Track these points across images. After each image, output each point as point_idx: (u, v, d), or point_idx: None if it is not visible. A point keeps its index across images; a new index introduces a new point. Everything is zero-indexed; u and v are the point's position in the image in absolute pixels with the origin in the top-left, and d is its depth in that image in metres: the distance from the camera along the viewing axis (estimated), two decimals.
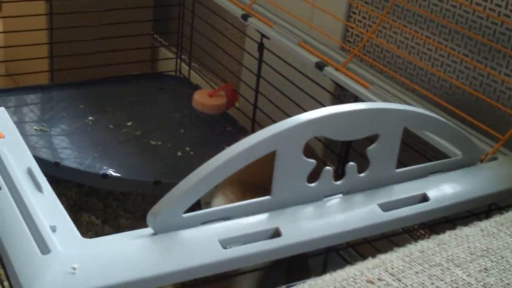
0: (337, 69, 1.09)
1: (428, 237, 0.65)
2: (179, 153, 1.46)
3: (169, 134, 1.53)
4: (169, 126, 1.57)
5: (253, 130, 1.50)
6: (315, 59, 1.12)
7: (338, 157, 1.15)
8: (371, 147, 0.75)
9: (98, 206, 1.50)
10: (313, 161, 0.71)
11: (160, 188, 1.32)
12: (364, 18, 1.28)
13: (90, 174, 1.34)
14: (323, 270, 1.04)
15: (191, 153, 1.46)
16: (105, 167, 1.36)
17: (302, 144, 0.70)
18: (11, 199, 0.70)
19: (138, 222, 1.52)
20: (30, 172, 0.75)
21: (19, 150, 0.80)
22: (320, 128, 0.70)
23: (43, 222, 0.67)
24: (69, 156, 1.40)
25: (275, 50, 1.35)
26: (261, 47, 1.36)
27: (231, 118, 1.57)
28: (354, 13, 1.30)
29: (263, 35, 1.31)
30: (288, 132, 0.68)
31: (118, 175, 1.34)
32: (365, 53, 1.28)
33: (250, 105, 1.49)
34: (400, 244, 0.71)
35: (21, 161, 0.77)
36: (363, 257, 1.20)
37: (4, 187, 0.72)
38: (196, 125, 1.57)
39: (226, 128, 1.55)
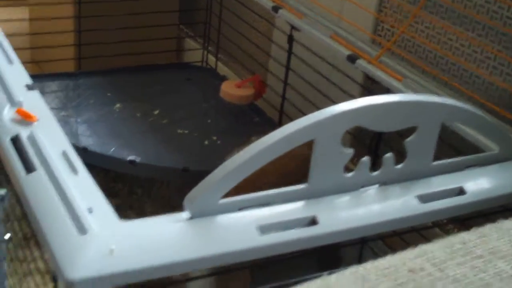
0: (369, 62, 1.08)
1: (458, 232, 0.65)
2: (206, 142, 1.46)
3: (196, 123, 1.53)
4: (196, 115, 1.57)
5: (280, 122, 1.49)
6: (347, 52, 1.12)
7: (368, 150, 1.14)
8: (409, 139, 0.75)
9: (123, 193, 1.51)
10: (351, 150, 0.71)
11: (188, 176, 1.33)
12: (395, 12, 1.27)
13: (118, 160, 1.34)
14: (359, 260, 1.03)
15: (218, 142, 1.46)
16: (132, 154, 1.36)
17: (340, 134, 0.69)
18: (47, 181, 0.70)
19: (163, 209, 1.51)
20: (65, 155, 0.75)
21: (53, 132, 0.80)
22: (359, 118, 0.70)
23: (80, 204, 0.67)
24: (96, 142, 1.40)
25: (304, 42, 1.35)
26: (290, 39, 1.36)
27: (258, 109, 1.57)
28: (385, 7, 1.29)
29: (293, 27, 1.30)
30: (327, 121, 0.68)
31: (146, 161, 1.35)
32: (396, 46, 1.27)
33: (278, 96, 1.49)
34: (430, 238, 0.71)
35: (56, 143, 0.77)
36: (392, 249, 1.20)
37: (40, 169, 0.72)
38: (223, 115, 1.57)
39: (253, 119, 1.55)
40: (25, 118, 0.80)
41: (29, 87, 0.89)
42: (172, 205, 1.51)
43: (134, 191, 1.54)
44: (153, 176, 1.47)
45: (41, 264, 1.03)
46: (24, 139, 0.77)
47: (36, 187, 0.69)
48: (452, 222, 1.08)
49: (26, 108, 0.82)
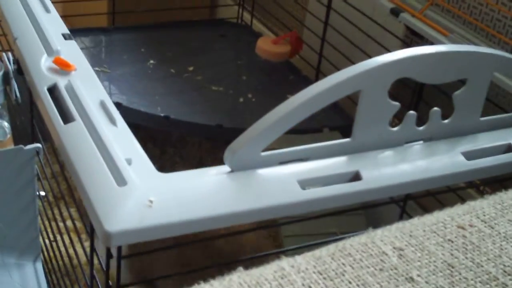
0: (413, 16, 1.05)
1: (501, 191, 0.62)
2: (241, 99, 1.44)
3: (230, 80, 1.51)
4: (231, 73, 1.54)
5: (316, 80, 1.46)
6: (390, 5, 1.09)
7: (408, 107, 1.11)
8: (457, 92, 0.72)
9: (154, 152, 1.50)
10: (397, 103, 0.69)
11: (221, 132, 1.31)
12: None
13: (152, 115, 1.33)
14: (400, 217, 1.02)
15: (253, 100, 1.44)
16: (166, 110, 1.35)
17: (388, 85, 0.67)
18: (86, 131, 0.69)
19: (194, 169, 1.50)
20: (103, 105, 0.74)
21: (91, 82, 0.78)
22: (407, 69, 0.67)
23: (119, 155, 0.65)
24: (130, 98, 1.38)
25: None
26: None
27: (294, 67, 1.54)
28: None
29: None
30: (374, 71, 0.65)
31: (180, 117, 1.33)
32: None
33: (314, 53, 1.46)
34: (466, 198, 0.69)
35: (94, 93, 0.76)
36: (425, 210, 1.17)
37: (78, 119, 0.71)
38: (258, 73, 1.55)
39: (288, 77, 1.52)
40: (62, 67, 0.79)
41: (66, 37, 0.87)
42: (204, 165, 1.50)
43: (166, 151, 1.53)
44: (187, 132, 1.46)
45: (70, 224, 1.03)
46: (62, 88, 0.75)
47: (74, 138, 0.68)
48: (489, 183, 1.05)
49: (63, 57, 0.81)
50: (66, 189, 1.28)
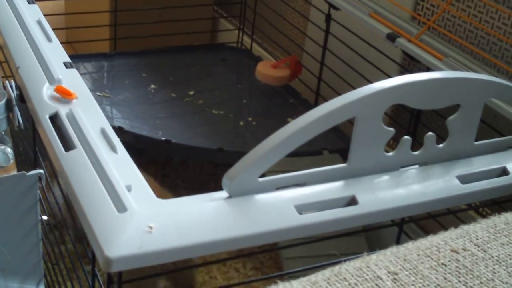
0: (409, 41, 1.07)
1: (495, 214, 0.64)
2: (241, 123, 1.46)
3: (231, 104, 1.53)
4: (231, 96, 1.56)
5: (316, 103, 1.48)
6: (386, 30, 1.10)
7: (407, 131, 1.13)
8: (451, 118, 0.73)
9: (156, 175, 1.51)
10: (392, 129, 0.70)
11: (222, 156, 1.32)
12: None
13: (153, 139, 1.34)
14: (397, 241, 1.02)
15: (253, 123, 1.46)
16: (168, 134, 1.37)
17: (382, 112, 0.68)
18: (87, 159, 0.70)
19: (196, 192, 1.51)
20: (103, 132, 0.75)
21: (92, 110, 0.80)
22: (401, 96, 0.68)
23: (119, 181, 0.67)
24: (132, 121, 1.40)
25: (342, 21, 1.33)
26: (328, 18, 1.34)
27: (293, 91, 1.56)
28: None
29: (331, 6, 1.29)
30: (368, 98, 0.67)
31: (181, 141, 1.34)
32: (435, 25, 1.25)
33: (313, 77, 1.47)
34: (466, 221, 0.70)
35: (95, 121, 0.77)
36: (426, 232, 1.18)
37: (79, 147, 0.72)
38: (258, 96, 1.56)
39: (288, 100, 1.54)
40: (64, 96, 0.80)
41: (67, 65, 0.89)
42: (205, 188, 1.51)
43: (168, 174, 1.55)
44: (188, 157, 1.48)
45: (71, 248, 1.04)
46: (63, 116, 0.77)
47: (75, 165, 0.69)
48: (488, 205, 1.06)
49: (65, 85, 0.82)
50: (67, 213, 1.29)
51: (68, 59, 0.91)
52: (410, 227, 1.20)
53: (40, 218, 0.95)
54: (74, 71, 0.88)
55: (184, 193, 1.51)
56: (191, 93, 1.55)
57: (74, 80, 0.86)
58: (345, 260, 0.56)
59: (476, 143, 0.76)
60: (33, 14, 1.02)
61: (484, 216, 1.08)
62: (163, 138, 1.34)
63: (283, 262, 1.24)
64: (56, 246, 0.97)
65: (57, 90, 0.81)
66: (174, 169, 1.56)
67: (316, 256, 1.20)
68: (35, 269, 0.98)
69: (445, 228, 0.66)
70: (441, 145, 0.74)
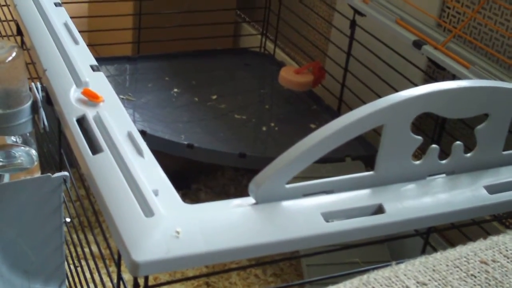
0: (436, 48, 1.06)
1: None
2: (264, 128, 1.45)
3: (253, 109, 1.53)
4: (254, 101, 1.56)
5: (339, 109, 1.48)
6: (413, 37, 1.10)
7: (431, 139, 1.12)
8: (479, 127, 0.73)
9: (178, 180, 1.51)
10: (419, 138, 0.69)
11: (244, 161, 1.32)
12: None
13: (176, 143, 1.35)
14: (423, 250, 1.02)
15: (276, 129, 1.45)
16: (190, 138, 1.37)
17: (410, 120, 0.68)
18: (114, 162, 0.70)
19: (217, 197, 1.52)
20: (130, 136, 0.75)
21: (118, 114, 0.80)
22: (431, 104, 0.68)
23: (146, 186, 0.67)
24: (155, 125, 1.41)
25: (367, 27, 1.33)
26: (353, 24, 1.34)
27: (316, 97, 1.55)
28: None
29: (356, 12, 1.28)
30: (398, 106, 0.66)
31: (203, 146, 1.35)
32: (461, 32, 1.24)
33: (336, 83, 1.47)
34: (491, 232, 0.69)
35: (121, 124, 0.78)
36: (449, 242, 1.17)
37: (107, 150, 0.72)
38: (281, 102, 1.56)
39: (311, 106, 1.54)
40: (91, 99, 0.81)
41: (94, 68, 0.89)
42: (226, 193, 1.52)
43: (190, 179, 1.55)
44: (210, 161, 1.48)
45: (95, 249, 1.05)
46: (90, 119, 0.77)
47: (103, 168, 0.69)
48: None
49: (92, 88, 0.83)
50: (91, 214, 1.30)
51: (94, 62, 0.91)
52: (433, 237, 1.19)
53: (64, 220, 0.96)
54: (100, 74, 0.89)
55: (204, 198, 1.51)
56: (214, 97, 1.55)
57: (100, 83, 0.86)
58: (367, 270, 0.56)
59: (504, 153, 0.76)
60: (60, 17, 1.03)
61: (508, 227, 1.07)
62: (185, 142, 1.35)
63: (304, 269, 1.23)
64: (80, 247, 0.97)
65: (84, 93, 0.82)
66: (196, 172, 1.56)
67: (337, 263, 1.19)
68: (58, 270, 0.99)
69: (469, 238, 0.65)
70: (468, 155, 0.74)
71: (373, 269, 0.57)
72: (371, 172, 0.70)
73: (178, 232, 0.61)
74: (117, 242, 0.62)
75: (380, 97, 0.67)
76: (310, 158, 0.65)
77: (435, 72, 1.26)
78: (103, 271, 1.17)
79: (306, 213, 0.65)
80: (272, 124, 1.47)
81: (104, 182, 0.68)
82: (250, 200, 0.66)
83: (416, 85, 1.22)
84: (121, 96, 1.50)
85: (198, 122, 1.45)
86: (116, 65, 1.64)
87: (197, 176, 1.55)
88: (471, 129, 0.95)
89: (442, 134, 1.12)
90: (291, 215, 0.65)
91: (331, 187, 0.69)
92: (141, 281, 0.64)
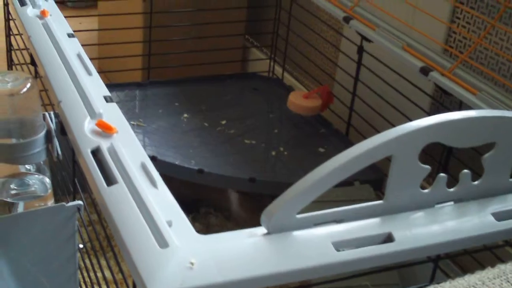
0: (442, 74, 1.08)
1: None
2: (273, 153, 1.47)
3: (262, 134, 1.54)
4: (263, 126, 1.58)
5: (347, 133, 1.49)
6: (420, 64, 1.11)
7: (438, 164, 1.13)
8: (487, 155, 0.74)
9: (188, 204, 1.52)
10: (428, 167, 0.71)
11: (254, 186, 1.34)
12: (468, 23, 1.26)
13: (186, 169, 1.36)
14: (432, 278, 1.03)
15: (285, 153, 1.47)
16: (200, 163, 1.38)
17: (419, 150, 0.69)
18: (128, 194, 0.72)
19: (227, 221, 1.53)
20: (144, 167, 0.77)
21: (132, 144, 0.82)
22: (438, 134, 0.69)
23: (160, 217, 0.68)
24: (165, 151, 1.42)
25: (374, 53, 1.34)
26: (360, 50, 1.36)
27: (325, 121, 1.57)
28: (458, 18, 1.28)
29: (364, 38, 1.30)
30: (406, 137, 0.68)
31: (213, 171, 1.36)
32: (468, 58, 1.26)
33: (344, 107, 1.49)
34: (502, 257, 0.70)
35: (135, 155, 0.79)
36: (462, 268, 1.18)
37: (121, 182, 0.74)
38: (290, 126, 1.58)
39: (320, 130, 1.55)
40: (105, 130, 0.82)
41: (107, 99, 0.91)
42: (235, 218, 1.53)
43: (200, 203, 1.56)
44: (220, 186, 1.49)
45: (107, 273, 1.06)
46: (105, 151, 0.79)
47: (118, 200, 0.71)
48: None
49: (105, 120, 0.84)
50: (103, 239, 1.31)
51: (108, 93, 0.93)
52: (445, 262, 1.20)
53: (77, 247, 0.97)
54: (114, 105, 0.91)
55: (215, 222, 1.52)
56: (223, 122, 1.57)
57: (114, 114, 0.88)
58: None
59: (511, 180, 0.77)
60: (73, 48, 1.05)
61: None
62: (195, 168, 1.36)
63: None
64: (93, 272, 0.99)
65: (98, 124, 0.83)
66: (206, 197, 1.57)
67: (348, 287, 1.20)
68: None
69: (480, 264, 0.66)
70: (476, 182, 0.75)
71: None
72: (380, 201, 0.71)
73: (192, 263, 0.62)
74: (133, 273, 0.63)
75: (387, 121, 0.69)
76: (321, 189, 0.67)
77: (442, 97, 1.28)
78: None
79: (317, 242, 0.67)
80: (281, 149, 1.48)
81: (119, 213, 0.69)
82: (262, 230, 0.68)
83: (423, 110, 1.24)
84: (132, 122, 1.52)
85: (208, 147, 1.47)
86: (127, 91, 1.66)
87: (206, 200, 1.57)
88: (478, 153, 0.96)
89: (450, 159, 1.13)
90: (302, 245, 0.66)
91: (341, 216, 0.70)
92: None
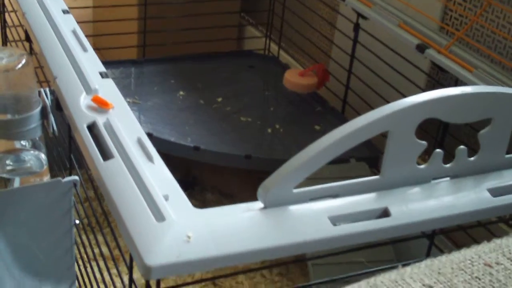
0: (439, 52, 1.07)
1: None
2: (269, 130, 1.47)
3: (258, 111, 1.54)
4: (259, 103, 1.58)
5: (343, 111, 1.49)
6: (416, 41, 1.11)
7: (434, 140, 1.14)
8: (483, 132, 0.74)
9: (184, 181, 1.53)
10: (424, 142, 0.71)
11: (250, 163, 1.34)
12: (464, 0, 1.25)
13: (182, 146, 1.36)
14: (428, 252, 1.03)
15: (281, 130, 1.47)
16: (196, 140, 1.38)
17: (415, 126, 0.69)
18: (125, 168, 0.72)
19: (223, 197, 1.54)
20: (140, 142, 0.77)
21: (128, 120, 0.82)
22: (434, 110, 0.69)
23: (157, 191, 0.68)
24: (161, 128, 1.42)
25: (370, 30, 1.34)
26: (357, 27, 1.35)
27: (321, 98, 1.57)
28: None
29: (360, 15, 1.30)
30: (403, 112, 0.68)
31: (209, 148, 1.36)
32: (464, 35, 1.25)
33: (340, 85, 1.49)
34: (496, 234, 0.70)
35: (131, 131, 0.79)
36: (455, 243, 1.19)
37: (117, 156, 0.74)
38: (286, 103, 1.58)
39: (315, 108, 1.55)
40: (101, 106, 0.82)
41: (103, 75, 0.91)
42: (231, 194, 1.53)
43: (196, 180, 1.57)
44: (216, 163, 1.49)
45: (105, 250, 1.06)
46: (101, 126, 0.78)
47: (114, 174, 0.71)
48: None
49: (101, 95, 0.84)
50: (100, 215, 1.32)
51: (103, 69, 0.93)
52: (439, 238, 1.20)
53: (74, 222, 0.97)
54: (109, 81, 0.90)
55: (211, 198, 1.53)
56: (219, 99, 1.56)
57: (110, 90, 0.88)
58: (373, 271, 0.57)
59: (507, 156, 0.77)
60: (68, 24, 1.04)
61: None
62: (191, 145, 1.36)
63: (310, 269, 1.25)
64: (90, 249, 0.99)
65: (94, 100, 0.83)
66: (202, 174, 1.58)
67: (343, 263, 1.21)
68: (68, 272, 1.00)
69: (474, 239, 0.67)
70: (472, 158, 0.75)
71: (379, 270, 0.58)
72: (376, 176, 0.72)
73: (189, 237, 0.62)
74: (130, 247, 0.63)
75: (383, 98, 0.69)
76: (318, 164, 0.67)
77: (438, 75, 1.28)
78: (113, 271, 1.19)
79: (313, 217, 0.67)
80: (277, 126, 1.48)
81: (115, 187, 0.69)
82: (259, 204, 0.68)
83: (419, 87, 1.24)
84: (127, 99, 1.51)
85: (203, 124, 1.47)
86: (122, 68, 1.66)
87: (202, 176, 1.57)
88: (474, 130, 0.96)
89: (446, 136, 1.14)
90: (299, 219, 0.66)
91: (338, 191, 0.71)
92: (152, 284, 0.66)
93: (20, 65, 0.98)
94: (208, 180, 1.56)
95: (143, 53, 1.73)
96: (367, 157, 1.34)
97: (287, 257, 0.69)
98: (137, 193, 0.68)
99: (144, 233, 0.63)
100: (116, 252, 1.30)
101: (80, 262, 1.04)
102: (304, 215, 0.67)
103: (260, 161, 1.35)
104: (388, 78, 1.31)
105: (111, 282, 0.88)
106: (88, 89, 0.87)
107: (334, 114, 1.51)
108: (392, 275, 0.56)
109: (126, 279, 0.81)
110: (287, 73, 1.56)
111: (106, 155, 0.75)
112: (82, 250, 1.03)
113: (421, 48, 1.10)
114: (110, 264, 1.23)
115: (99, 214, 1.34)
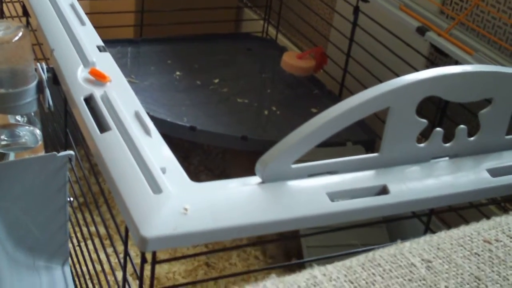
0: (439, 35, 1.07)
1: None
2: (265, 112, 1.46)
3: (255, 93, 1.53)
4: (256, 85, 1.57)
5: (340, 95, 1.48)
6: (416, 24, 1.10)
7: (432, 123, 1.13)
8: (483, 111, 0.74)
9: (179, 161, 1.52)
10: (424, 120, 0.70)
11: (246, 144, 1.33)
12: None
13: (178, 126, 1.35)
14: (425, 231, 1.03)
15: (278, 112, 1.46)
16: (193, 120, 1.37)
17: (416, 103, 0.69)
18: (122, 141, 0.71)
19: (217, 179, 1.53)
20: (137, 115, 0.76)
21: (125, 93, 0.81)
22: (435, 88, 0.69)
23: (154, 163, 0.68)
24: (157, 108, 1.41)
25: (370, 13, 1.33)
26: (356, 10, 1.34)
27: (318, 82, 1.56)
28: None
29: None
30: (404, 89, 0.67)
31: (206, 128, 1.35)
32: (464, 19, 1.25)
33: (338, 68, 1.48)
34: (488, 215, 0.70)
35: (129, 104, 0.78)
36: (448, 225, 1.18)
37: (114, 129, 0.73)
38: (283, 86, 1.57)
39: (313, 91, 1.55)
40: (98, 78, 0.81)
41: (101, 49, 0.90)
42: (227, 175, 1.53)
43: (191, 161, 1.56)
44: (212, 143, 1.49)
45: (100, 226, 1.06)
46: (98, 98, 0.78)
47: (111, 146, 0.70)
48: (510, 200, 1.07)
49: (99, 68, 0.83)
50: (95, 193, 1.31)
51: (101, 43, 0.92)
52: (432, 221, 1.20)
53: (68, 199, 0.97)
54: (107, 55, 0.89)
55: (205, 179, 1.52)
56: (216, 81, 1.55)
57: (107, 64, 0.87)
58: (364, 251, 0.57)
59: (507, 137, 0.77)
60: None
61: (506, 211, 1.08)
62: (187, 125, 1.35)
63: (304, 251, 1.25)
64: (85, 226, 0.98)
65: (91, 72, 0.83)
66: (197, 155, 1.57)
67: (337, 245, 1.20)
68: (62, 248, 1.00)
69: (467, 222, 0.66)
70: (472, 138, 0.75)
71: (372, 249, 0.58)
72: (375, 154, 0.71)
73: (186, 209, 0.62)
74: (126, 218, 0.63)
75: (382, 82, 0.68)
76: (316, 139, 0.66)
77: (437, 59, 1.27)
78: (109, 249, 1.18)
79: (311, 192, 0.67)
80: (274, 108, 1.48)
81: (112, 159, 0.68)
82: (257, 179, 0.67)
83: (418, 71, 1.24)
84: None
85: (200, 105, 1.46)
86: (119, 47, 1.64)
87: (196, 158, 1.56)
88: (472, 115, 0.96)
89: (444, 119, 1.13)
90: (297, 194, 0.66)
91: (336, 167, 0.70)
92: (148, 257, 0.65)
93: (16, 38, 0.97)
94: (202, 161, 1.56)
95: (140, 33, 1.72)
96: (363, 140, 1.33)
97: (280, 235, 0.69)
98: (134, 165, 0.67)
99: (141, 205, 0.62)
100: (112, 231, 1.30)
101: (75, 240, 1.03)
102: (302, 191, 0.67)
103: (256, 142, 1.34)
104: (386, 62, 1.30)
105: (106, 259, 0.88)
106: (85, 62, 0.86)
107: (331, 98, 1.50)
108: (391, 249, 0.55)
109: (121, 257, 0.81)
110: (285, 55, 1.55)
111: (103, 127, 0.74)
112: (76, 227, 1.02)
113: (421, 31, 1.09)
114: (105, 241, 1.22)
115: (95, 192, 1.33)
